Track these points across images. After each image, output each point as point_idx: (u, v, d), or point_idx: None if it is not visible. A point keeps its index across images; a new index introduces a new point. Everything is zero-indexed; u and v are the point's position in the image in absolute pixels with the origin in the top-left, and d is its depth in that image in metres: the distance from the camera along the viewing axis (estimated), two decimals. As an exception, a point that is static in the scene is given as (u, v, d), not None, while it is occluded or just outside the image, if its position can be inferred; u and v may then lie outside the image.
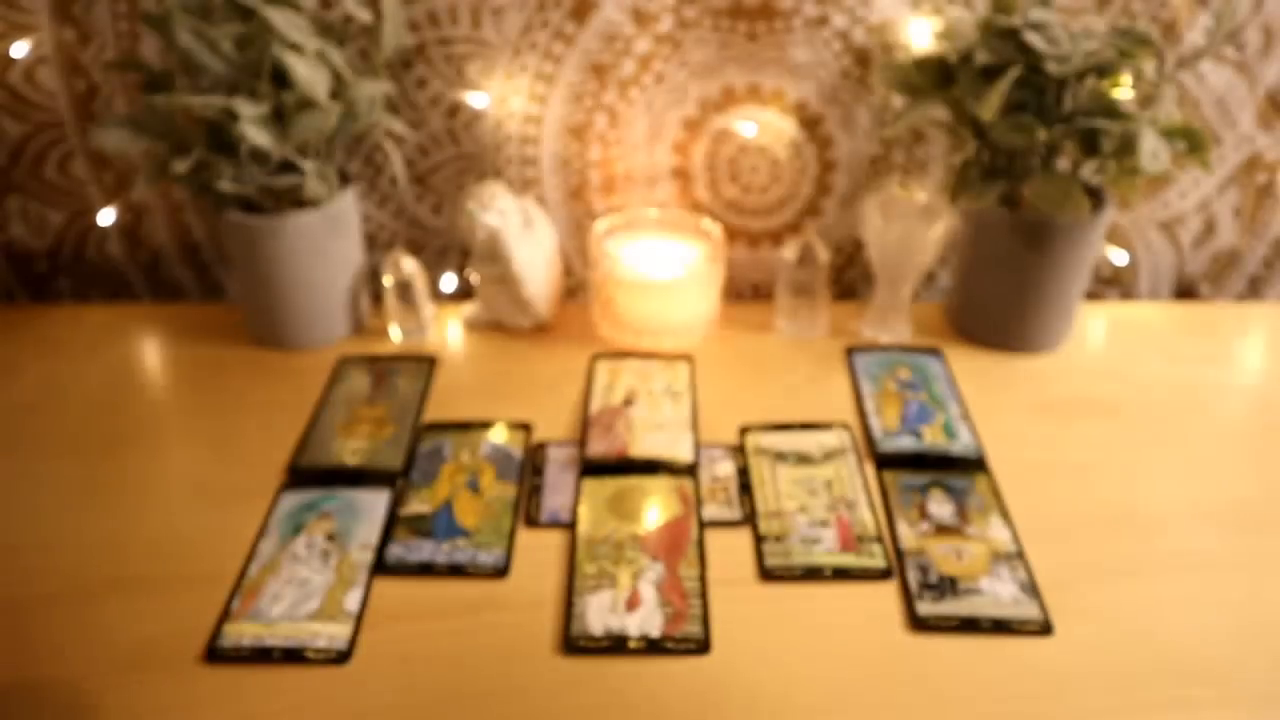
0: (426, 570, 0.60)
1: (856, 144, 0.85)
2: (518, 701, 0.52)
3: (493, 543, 0.62)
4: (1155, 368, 0.80)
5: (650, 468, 0.68)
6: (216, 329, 0.86)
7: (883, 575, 0.60)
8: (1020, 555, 0.61)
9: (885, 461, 0.69)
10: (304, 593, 0.58)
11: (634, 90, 0.82)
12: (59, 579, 0.60)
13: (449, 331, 0.86)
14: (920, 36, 0.79)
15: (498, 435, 0.71)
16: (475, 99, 0.82)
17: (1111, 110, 0.69)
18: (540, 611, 0.57)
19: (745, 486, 0.67)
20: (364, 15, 0.73)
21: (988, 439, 0.71)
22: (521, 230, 0.81)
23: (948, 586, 0.59)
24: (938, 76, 0.75)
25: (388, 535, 0.63)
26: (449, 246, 0.92)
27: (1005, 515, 0.64)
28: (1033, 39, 0.67)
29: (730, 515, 0.64)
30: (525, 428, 0.73)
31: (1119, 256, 0.91)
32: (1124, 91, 0.72)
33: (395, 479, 0.68)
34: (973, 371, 0.79)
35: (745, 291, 0.94)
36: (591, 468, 0.68)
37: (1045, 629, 0.56)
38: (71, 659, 0.54)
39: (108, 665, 0.54)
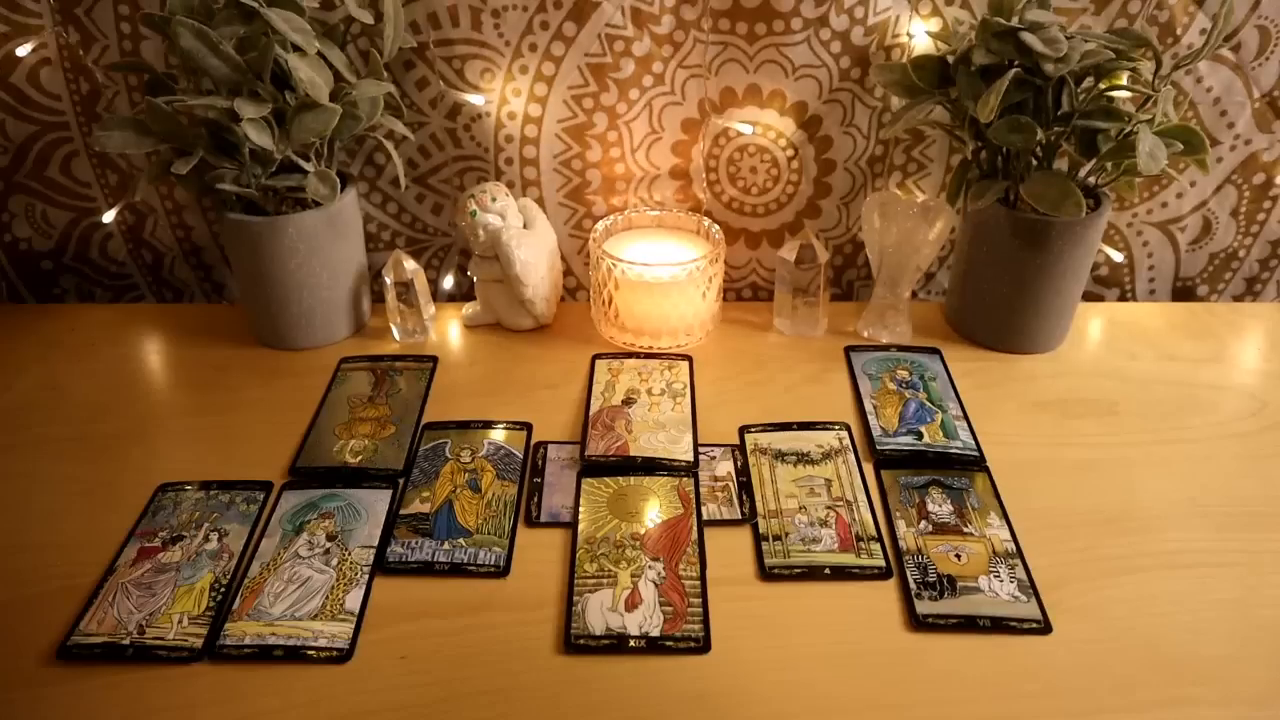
0: (427, 570, 0.60)
1: (855, 144, 0.85)
2: (518, 701, 0.52)
3: (493, 542, 0.62)
4: (1153, 368, 0.81)
5: (650, 467, 0.68)
6: (218, 329, 0.86)
7: (882, 574, 0.60)
8: (1019, 554, 0.61)
9: (884, 461, 0.69)
10: (305, 592, 0.58)
11: (633, 91, 0.82)
12: (59, 578, 0.60)
13: (449, 331, 0.86)
14: (919, 37, 0.79)
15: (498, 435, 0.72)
16: (475, 100, 0.82)
17: (1109, 111, 0.70)
18: (540, 611, 0.57)
19: (745, 486, 0.67)
20: (365, 16, 0.74)
21: (986, 438, 0.71)
22: (521, 230, 0.82)
23: (946, 585, 0.59)
24: (936, 77, 0.75)
25: (388, 535, 0.63)
26: (449, 247, 0.93)
27: (1004, 514, 0.64)
28: (1030, 40, 0.67)
29: (730, 515, 0.65)
30: (525, 427, 0.73)
31: (1116, 257, 0.91)
32: (1122, 92, 0.72)
33: (396, 478, 0.68)
34: (971, 371, 0.79)
35: (745, 291, 0.94)
36: (591, 467, 0.68)
37: (1044, 627, 0.56)
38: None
39: (109, 663, 0.54)
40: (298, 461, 0.69)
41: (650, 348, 0.82)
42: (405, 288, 0.82)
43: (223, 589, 0.59)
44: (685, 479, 0.67)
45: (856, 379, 0.78)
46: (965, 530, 0.63)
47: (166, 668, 0.54)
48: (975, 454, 0.70)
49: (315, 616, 0.57)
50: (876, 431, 0.72)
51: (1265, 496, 0.66)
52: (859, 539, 0.62)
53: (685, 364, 0.80)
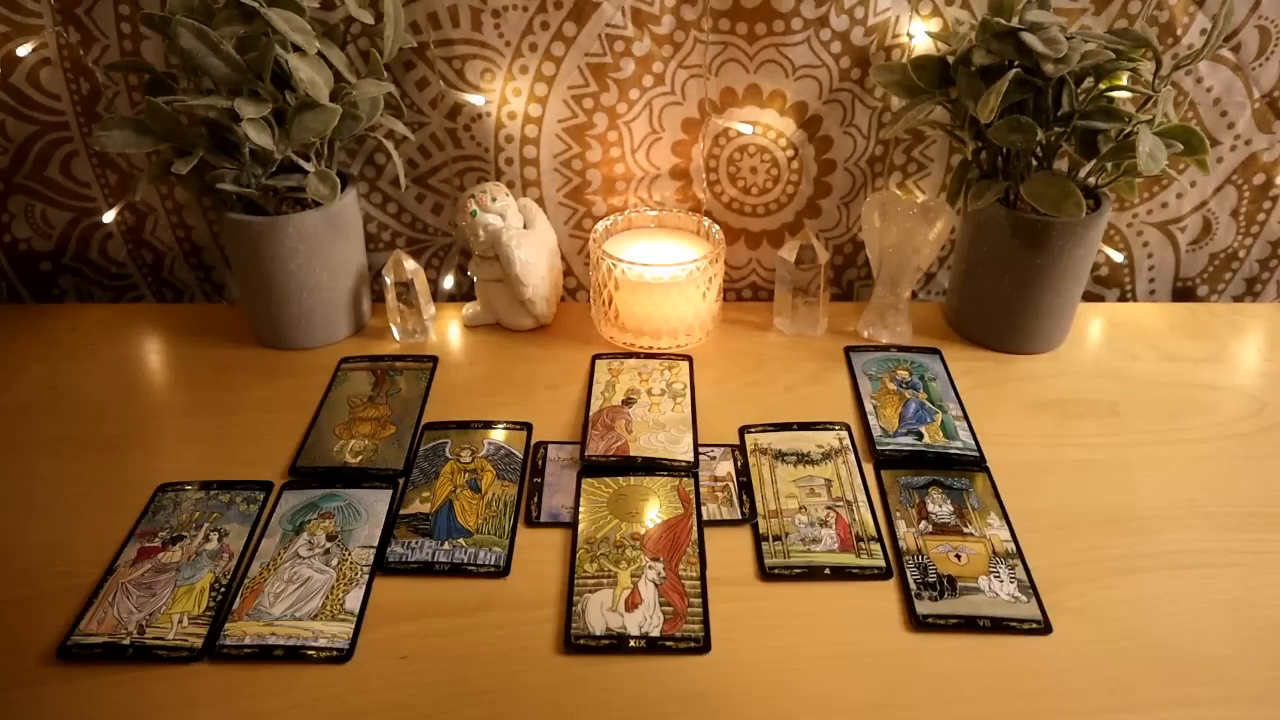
0: (427, 570, 0.60)
1: (855, 144, 0.85)
2: (518, 700, 0.52)
3: (493, 542, 0.62)
4: (1153, 368, 0.81)
5: (650, 468, 0.68)
6: (218, 329, 0.86)
7: (882, 575, 0.60)
8: (1019, 554, 0.61)
9: (884, 461, 0.69)
10: (305, 592, 0.58)
11: (634, 91, 0.82)
12: (59, 578, 0.60)
13: (449, 331, 0.86)
14: (919, 37, 0.79)
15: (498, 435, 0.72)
16: (475, 100, 0.82)
17: (1109, 111, 0.70)
18: (540, 611, 0.57)
19: (745, 486, 0.67)
20: (365, 16, 0.74)
21: (986, 439, 0.71)
22: (521, 230, 0.82)
23: (946, 586, 0.59)
24: (936, 77, 0.75)
25: (388, 535, 0.63)
26: (449, 247, 0.93)
27: (1004, 515, 0.64)
28: (1031, 40, 0.67)
29: (730, 515, 0.65)
30: (525, 427, 0.73)
31: (1117, 257, 0.91)
32: (1122, 93, 0.72)
33: (396, 478, 0.68)
34: (972, 371, 0.79)
35: (745, 291, 0.94)
36: (591, 467, 0.68)
37: (1044, 628, 0.56)
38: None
39: (109, 663, 0.54)
40: (298, 461, 0.69)
41: (650, 348, 0.82)
42: (405, 288, 0.82)
43: (223, 589, 0.59)
44: (685, 479, 0.67)
45: (856, 379, 0.78)
46: (965, 530, 0.63)
47: (166, 668, 0.54)
48: (975, 454, 0.70)
49: (315, 616, 0.57)
50: (876, 432, 0.72)
51: (1265, 497, 0.66)
52: (859, 539, 0.62)
53: (685, 364, 0.80)
